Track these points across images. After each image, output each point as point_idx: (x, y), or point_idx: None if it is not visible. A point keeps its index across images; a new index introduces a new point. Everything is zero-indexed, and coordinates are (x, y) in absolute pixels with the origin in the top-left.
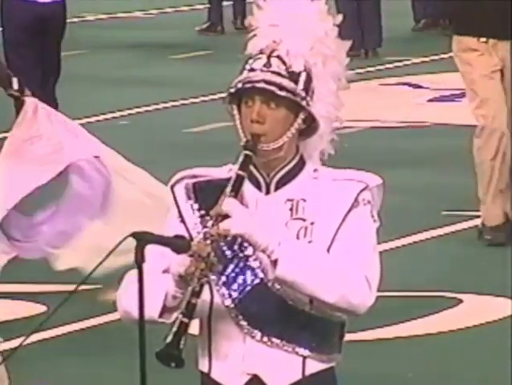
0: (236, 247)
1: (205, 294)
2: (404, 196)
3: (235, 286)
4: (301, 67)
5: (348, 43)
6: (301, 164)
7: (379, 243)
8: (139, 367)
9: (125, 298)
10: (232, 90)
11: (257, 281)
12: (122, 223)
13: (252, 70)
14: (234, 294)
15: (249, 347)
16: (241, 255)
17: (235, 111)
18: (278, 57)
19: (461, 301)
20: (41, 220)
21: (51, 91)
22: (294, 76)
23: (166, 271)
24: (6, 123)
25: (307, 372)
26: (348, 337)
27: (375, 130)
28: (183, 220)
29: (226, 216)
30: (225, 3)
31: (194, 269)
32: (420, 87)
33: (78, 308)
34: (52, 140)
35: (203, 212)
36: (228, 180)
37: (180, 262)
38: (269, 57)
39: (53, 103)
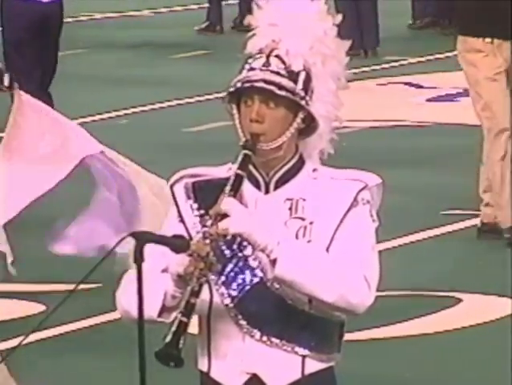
0: (235, 246)
1: (205, 294)
2: (403, 196)
3: (234, 286)
4: (300, 67)
5: (348, 43)
6: (300, 163)
7: (378, 242)
8: (138, 367)
9: (124, 298)
10: (231, 89)
11: (256, 280)
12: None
13: (251, 69)
14: (234, 294)
15: (249, 347)
16: (240, 254)
17: (234, 111)
18: (278, 56)
19: (460, 300)
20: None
21: (46, 89)
22: (293, 76)
23: (165, 270)
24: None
25: (307, 372)
26: (346, 336)
27: (374, 129)
28: (182, 220)
29: (225, 216)
30: (224, 3)
31: (193, 268)
32: (419, 86)
33: (77, 307)
34: (55, 138)
35: (202, 211)
36: (227, 179)
37: (179, 262)
38: (268, 56)
39: (50, 101)
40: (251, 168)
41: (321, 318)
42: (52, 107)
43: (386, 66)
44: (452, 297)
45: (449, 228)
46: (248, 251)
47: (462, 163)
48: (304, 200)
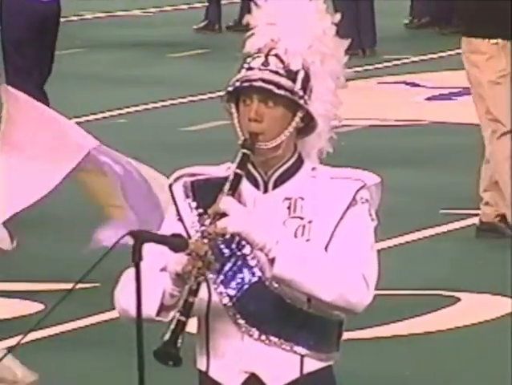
0: (234, 245)
1: (203, 293)
2: (402, 195)
3: (233, 285)
4: (299, 66)
5: (347, 42)
6: (299, 162)
7: (377, 241)
8: (137, 366)
9: (123, 297)
10: (230, 88)
11: (254, 279)
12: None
13: (250, 68)
14: (232, 293)
15: (247, 346)
16: (238, 253)
17: (233, 110)
18: (276, 55)
19: (458, 299)
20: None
21: (41, 88)
22: (292, 75)
23: (164, 269)
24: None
25: (305, 370)
26: (345, 335)
27: (373, 128)
28: (181, 219)
29: (224, 215)
30: (223, 2)
31: (191, 267)
32: (418, 85)
33: (75, 306)
34: (53, 135)
35: (201, 210)
36: (226, 178)
37: (178, 261)
38: (267, 56)
39: (45, 100)
40: (250, 167)
41: (320, 317)
42: (48, 106)
43: (384, 65)
44: (451, 296)
45: (448, 227)
46: (246, 250)
47: (462, 162)
48: (303, 199)
